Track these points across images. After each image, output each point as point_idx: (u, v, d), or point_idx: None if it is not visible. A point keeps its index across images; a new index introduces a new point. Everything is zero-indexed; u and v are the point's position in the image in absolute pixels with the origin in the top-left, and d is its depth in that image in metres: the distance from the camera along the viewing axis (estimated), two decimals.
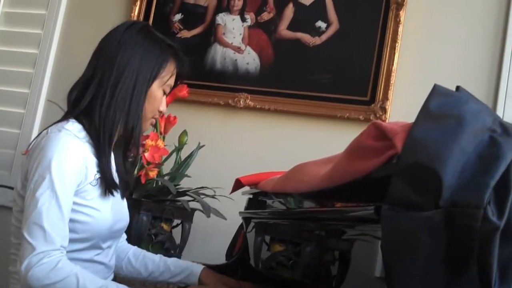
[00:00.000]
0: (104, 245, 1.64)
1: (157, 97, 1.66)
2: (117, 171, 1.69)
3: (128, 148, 1.66)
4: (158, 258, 1.82)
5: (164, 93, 1.69)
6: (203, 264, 1.85)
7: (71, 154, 1.50)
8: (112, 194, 1.61)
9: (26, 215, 1.44)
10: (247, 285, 1.74)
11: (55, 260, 1.39)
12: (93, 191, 1.57)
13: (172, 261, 1.81)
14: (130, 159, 1.72)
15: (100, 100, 1.58)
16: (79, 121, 1.59)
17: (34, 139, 1.60)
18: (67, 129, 1.54)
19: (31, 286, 1.39)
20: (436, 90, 1.03)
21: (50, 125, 1.59)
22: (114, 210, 1.64)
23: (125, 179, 1.70)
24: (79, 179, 1.52)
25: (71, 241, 1.50)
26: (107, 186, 1.59)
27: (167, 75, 1.67)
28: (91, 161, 1.57)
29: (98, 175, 1.57)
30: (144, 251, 1.85)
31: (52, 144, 1.49)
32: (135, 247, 1.86)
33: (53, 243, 1.41)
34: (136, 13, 2.90)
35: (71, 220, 1.50)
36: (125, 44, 1.61)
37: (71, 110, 1.61)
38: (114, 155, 1.68)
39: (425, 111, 1.00)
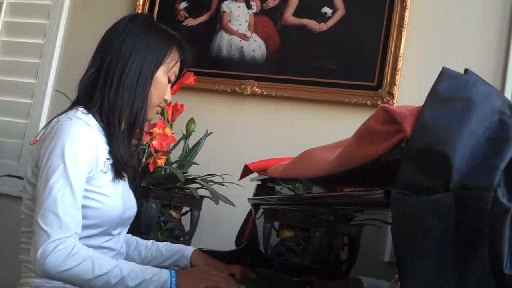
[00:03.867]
0: (114, 232, 1.66)
1: (163, 83, 1.69)
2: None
3: (132, 132, 1.67)
4: (150, 243, 1.85)
5: (169, 80, 1.72)
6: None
7: (83, 141, 1.52)
8: (122, 178, 1.63)
9: (40, 203, 1.45)
10: (235, 268, 1.76)
11: (70, 246, 1.41)
12: (104, 178, 1.58)
13: (163, 245, 1.85)
14: (135, 144, 1.73)
15: (109, 86, 1.61)
16: (88, 109, 1.60)
17: (43, 127, 1.62)
18: (78, 117, 1.56)
19: (48, 273, 1.40)
20: (445, 73, 1.03)
21: (59, 114, 1.60)
22: (124, 197, 1.66)
23: (131, 164, 1.70)
24: (90, 167, 1.54)
25: (83, 227, 1.51)
26: (118, 170, 1.61)
27: (172, 62, 1.69)
28: (102, 149, 1.58)
29: (108, 162, 1.60)
30: (137, 238, 1.87)
31: (65, 132, 1.50)
32: (129, 235, 1.86)
33: (68, 230, 1.42)
34: (141, 1, 2.89)
35: (83, 207, 1.51)
36: (130, 32, 1.64)
37: (81, 99, 1.63)
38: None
39: (433, 94, 1.00)
